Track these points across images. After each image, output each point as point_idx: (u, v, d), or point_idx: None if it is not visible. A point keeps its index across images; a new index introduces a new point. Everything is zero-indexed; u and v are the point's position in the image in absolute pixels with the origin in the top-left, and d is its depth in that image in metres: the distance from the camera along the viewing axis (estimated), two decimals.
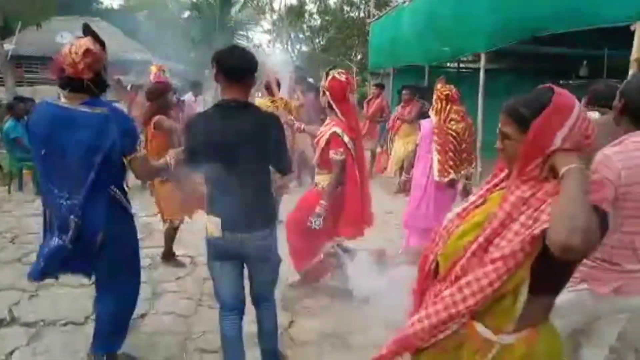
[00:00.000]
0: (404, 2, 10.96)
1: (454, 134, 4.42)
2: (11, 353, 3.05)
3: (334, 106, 3.54)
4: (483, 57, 7.40)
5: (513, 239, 1.33)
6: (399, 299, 2.98)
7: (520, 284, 1.36)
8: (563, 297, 1.57)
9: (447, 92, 4.46)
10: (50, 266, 2.57)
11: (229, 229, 2.42)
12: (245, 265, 2.62)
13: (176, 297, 3.88)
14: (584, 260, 1.98)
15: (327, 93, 3.55)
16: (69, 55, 2.42)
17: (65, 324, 3.35)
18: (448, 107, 4.45)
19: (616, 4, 4.79)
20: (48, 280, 3.94)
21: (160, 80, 4.89)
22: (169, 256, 4.61)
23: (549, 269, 1.33)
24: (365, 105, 9.60)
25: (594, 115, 2.99)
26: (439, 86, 4.56)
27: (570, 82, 11.01)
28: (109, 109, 2.49)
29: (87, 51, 2.43)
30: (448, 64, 12.78)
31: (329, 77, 3.55)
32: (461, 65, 13.41)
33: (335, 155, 3.56)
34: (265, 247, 2.52)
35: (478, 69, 7.97)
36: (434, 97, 4.54)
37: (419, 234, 4.71)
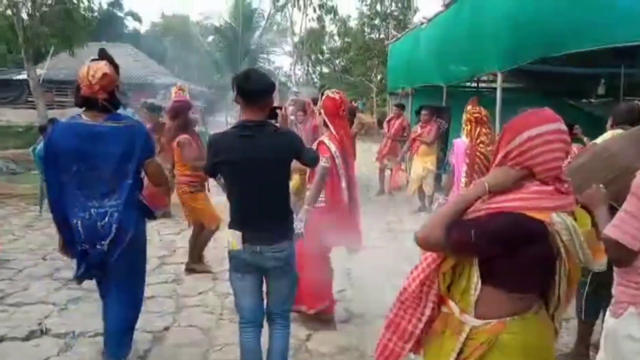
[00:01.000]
0: (422, 24, 11.15)
1: (481, 156, 4.46)
2: None
3: (328, 122, 3.64)
4: (500, 77, 7.48)
5: None
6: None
7: (469, 269, 1.68)
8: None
9: (477, 114, 4.52)
10: (88, 271, 2.79)
11: (249, 242, 2.54)
12: (264, 279, 2.72)
13: (198, 311, 4.02)
14: (627, 282, 2.00)
15: (322, 111, 3.67)
16: (86, 77, 2.65)
17: (94, 336, 3.50)
18: (478, 130, 4.51)
19: (630, 23, 4.84)
20: (77, 295, 4.24)
21: (179, 100, 5.11)
22: (197, 261, 4.86)
23: (492, 266, 1.64)
24: (386, 124, 9.79)
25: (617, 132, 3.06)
26: (469, 107, 4.61)
27: (592, 100, 10.97)
28: (131, 121, 2.78)
29: (105, 75, 2.67)
30: (467, 84, 12.86)
31: (324, 97, 3.68)
32: (480, 85, 13.46)
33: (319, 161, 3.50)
34: (284, 260, 2.62)
35: (493, 88, 8.05)
36: (464, 118, 4.62)
37: None
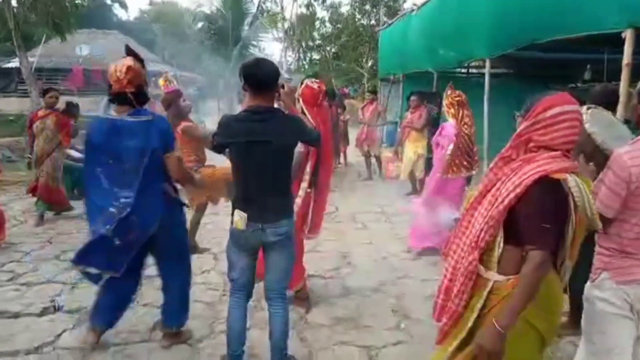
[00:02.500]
0: (412, 10, 11.29)
1: (465, 137, 4.76)
2: (60, 335, 3.44)
3: (306, 111, 3.75)
4: (488, 63, 7.69)
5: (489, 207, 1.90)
6: (405, 288, 3.26)
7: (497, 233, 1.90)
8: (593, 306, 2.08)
9: (459, 97, 4.82)
10: (90, 252, 3.01)
11: (252, 220, 2.68)
12: (263, 254, 2.85)
13: (203, 288, 4.23)
14: (601, 249, 2.21)
15: (300, 99, 3.78)
16: (114, 73, 2.85)
17: None
18: (461, 112, 4.80)
19: (607, 11, 5.05)
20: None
21: (169, 90, 5.22)
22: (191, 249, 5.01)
23: (514, 227, 1.86)
24: (360, 111, 10.07)
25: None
26: (449, 92, 4.90)
27: (578, 85, 11.23)
28: (152, 116, 2.93)
29: (129, 68, 2.87)
30: (457, 69, 13.05)
31: (303, 85, 3.82)
32: (470, 70, 13.66)
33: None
34: (285, 234, 2.76)
35: (481, 74, 8.26)
36: (446, 102, 4.88)
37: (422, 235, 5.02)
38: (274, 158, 2.67)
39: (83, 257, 3.06)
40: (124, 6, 38.40)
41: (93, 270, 3.09)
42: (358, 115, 10.33)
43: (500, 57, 8.67)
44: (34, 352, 3.22)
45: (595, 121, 2.86)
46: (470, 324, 1.94)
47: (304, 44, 32.56)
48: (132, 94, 2.89)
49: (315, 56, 33.77)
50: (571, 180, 1.82)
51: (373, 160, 9.77)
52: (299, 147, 3.49)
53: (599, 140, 2.76)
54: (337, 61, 30.51)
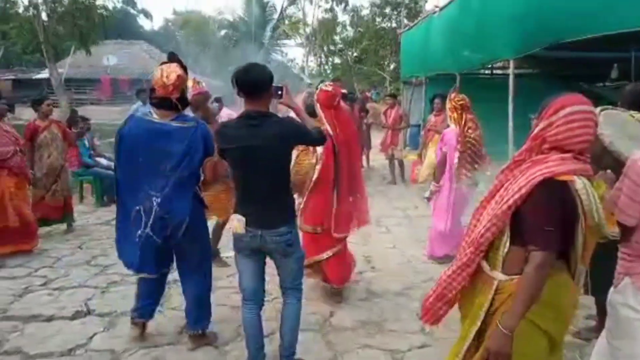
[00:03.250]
0: (434, 12, 11.25)
1: (472, 141, 4.73)
2: (91, 337, 3.53)
3: (320, 113, 3.80)
4: (512, 64, 7.61)
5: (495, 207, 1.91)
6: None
7: (503, 230, 1.91)
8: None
9: (462, 101, 4.79)
10: (145, 257, 3.12)
11: (251, 226, 2.71)
12: (269, 258, 2.89)
13: (228, 291, 4.29)
14: (623, 255, 2.18)
15: (317, 103, 3.85)
16: (160, 79, 2.96)
17: None
18: (464, 116, 4.77)
19: (632, 10, 4.98)
20: (115, 279, 4.55)
21: (198, 92, 5.30)
22: (214, 256, 5.06)
23: (520, 227, 1.88)
24: (382, 116, 10.06)
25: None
26: (452, 96, 4.87)
27: (606, 84, 11.01)
28: (196, 122, 3.06)
29: (178, 77, 2.99)
30: (482, 71, 12.94)
31: (318, 89, 3.90)
32: (494, 71, 13.53)
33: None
34: (285, 242, 2.76)
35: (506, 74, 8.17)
36: (449, 106, 4.86)
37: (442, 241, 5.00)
38: (269, 163, 2.69)
39: (137, 264, 3.22)
40: (148, 16, 39.36)
41: (146, 276, 3.28)
42: (381, 120, 10.32)
43: (525, 57, 8.57)
44: (67, 354, 3.32)
45: (607, 122, 2.81)
46: (478, 324, 1.95)
47: (325, 49, 32.68)
48: (177, 99, 3.00)
49: (337, 60, 33.88)
50: (579, 183, 1.81)
51: (396, 163, 9.76)
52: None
53: (607, 141, 2.70)
54: (359, 65, 30.53)
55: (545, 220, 1.78)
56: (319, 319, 3.80)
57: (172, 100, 2.98)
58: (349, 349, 3.38)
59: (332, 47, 32.41)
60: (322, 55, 33.50)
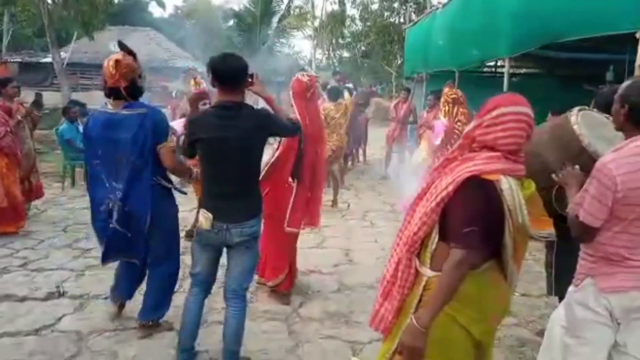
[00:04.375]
0: (437, 8, 11.20)
1: (459, 134, 4.74)
2: (60, 319, 3.59)
3: (293, 104, 3.80)
4: (507, 62, 7.58)
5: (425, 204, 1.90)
6: None
7: (432, 230, 1.91)
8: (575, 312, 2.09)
9: (454, 95, 4.80)
10: (110, 250, 3.20)
11: (218, 220, 2.66)
12: (227, 254, 2.83)
13: None
14: (585, 255, 2.17)
15: (290, 92, 3.85)
16: (107, 69, 2.99)
17: (106, 298, 3.82)
18: (455, 110, 4.79)
19: (623, 12, 4.95)
20: (93, 263, 4.59)
21: (196, 92, 5.31)
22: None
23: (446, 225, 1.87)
24: (393, 109, 9.96)
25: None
26: (446, 90, 4.90)
27: (602, 86, 10.90)
28: (147, 109, 3.06)
29: (117, 62, 2.98)
30: (482, 69, 12.86)
31: (294, 78, 3.89)
32: (494, 69, 13.44)
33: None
34: (250, 236, 2.74)
35: (512, 74, 8.12)
36: (442, 100, 4.87)
37: None
38: (242, 155, 2.65)
39: (106, 256, 3.31)
40: (160, 4, 39.36)
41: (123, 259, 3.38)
42: (389, 114, 10.22)
43: (524, 56, 8.50)
44: (33, 333, 3.37)
45: (585, 123, 2.80)
46: (408, 321, 1.95)
47: (333, 42, 32.57)
48: (124, 88, 3.00)
49: (346, 54, 33.79)
50: (504, 183, 1.81)
51: (394, 158, 9.69)
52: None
53: (585, 141, 2.70)
54: (366, 59, 30.43)
55: (466, 218, 1.78)
56: (287, 310, 3.83)
57: (119, 89, 2.99)
58: (311, 339, 3.41)
59: (340, 41, 32.32)
60: (330, 48, 33.43)
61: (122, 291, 3.52)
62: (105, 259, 3.33)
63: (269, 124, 2.79)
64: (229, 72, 2.65)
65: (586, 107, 3.02)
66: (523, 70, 13.51)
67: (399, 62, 26.44)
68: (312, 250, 5.21)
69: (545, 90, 10.88)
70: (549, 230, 2.04)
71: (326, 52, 34.48)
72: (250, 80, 2.76)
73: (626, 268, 2.11)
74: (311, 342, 3.38)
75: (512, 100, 1.91)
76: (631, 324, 2.18)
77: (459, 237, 1.78)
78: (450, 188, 1.83)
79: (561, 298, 3.39)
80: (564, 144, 2.76)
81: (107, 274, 4.24)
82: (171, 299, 3.42)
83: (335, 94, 7.16)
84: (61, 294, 3.99)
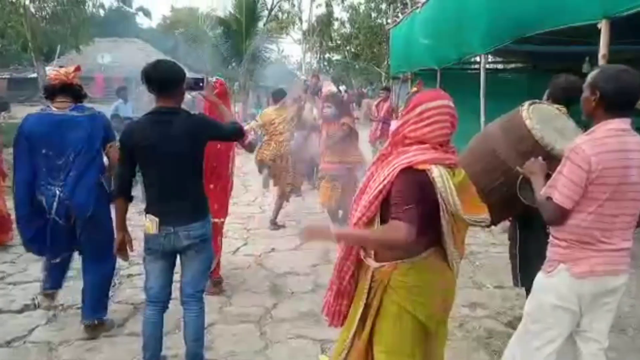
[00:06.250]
0: (417, 8, 11.27)
1: None
2: (32, 330, 3.61)
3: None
4: (483, 59, 7.66)
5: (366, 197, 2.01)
6: None
7: (374, 219, 2.00)
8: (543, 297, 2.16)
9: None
10: (56, 245, 3.32)
11: (164, 224, 2.66)
12: (180, 259, 2.83)
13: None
14: (557, 241, 2.22)
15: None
16: (64, 71, 3.20)
17: (78, 308, 3.83)
18: None
19: (585, 3, 5.01)
20: (70, 274, 4.58)
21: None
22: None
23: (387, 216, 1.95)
24: (374, 108, 10.04)
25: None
26: (414, 89, 4.95)
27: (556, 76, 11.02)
28: (95, 111, 3.25)
29: (77, 68, 3.27)
30: (464, 66, 12.92)
31: (215, 81, 3.96)
32: (478, 67, 13.50)
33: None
34: (200, 238, 2.75)
35: (495, 70, 8.19)
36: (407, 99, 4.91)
37: None
38: (179, 160, 2.66)
39: (32, 244, 3.50)
40: (147, 14, 39.48)
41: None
42: (372, 112, 10.26)
43: (513, 52, 8.53)
44: (5, 345, 3.40)
45: (536, 117, 2.84)
46: (359, 314, 2.02)
47: (323, 45, 32.68)
48: (78, 86, 3.22)
49: (336, 57, 33.85)
50: (435, 171, 1.91)
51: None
52: None
53: (538, 135, 2.73)
54: (356, 61, 30.51)
55: (405, 200, 1.88)
56: (259, 311, 3.87)
57: (72, 85, 3.17)
58: (281, 339, 3.45)
59: (330, 44, 32.41)
60: (319, 51, 33.53)
61: (54, 282, 3.71)
62: (54, 254, 3.49)
63: (204, 128, 2.78)
64: (161, 79, 2.65)
65: (537, 101, 3.07)
66: (512, 66, 13.58)
67: (388, 62, 26.54)
68: (291, 252, 5.26)
69: (528, 83, 11.00)
70: (484, 215, 2.08)
71: (317, 55, 34.59)
72: (201, 85, 2.80)
73: (599, 252, 2.16)
74: (281, 342, 3.41)
75: (433, 95, 2.03)
76: (597, 309, 2.25)
77: (400, 214, 1.87)
78: (389, 179, 1.93)
79: (527, 289, 3.46)
80: (517, 138, 2.80)
81: (80, 285, 4.29)
82: (108, 299, 3.54)
83: (279, 95, 6.59)
84: (37, 306, 4.01)
